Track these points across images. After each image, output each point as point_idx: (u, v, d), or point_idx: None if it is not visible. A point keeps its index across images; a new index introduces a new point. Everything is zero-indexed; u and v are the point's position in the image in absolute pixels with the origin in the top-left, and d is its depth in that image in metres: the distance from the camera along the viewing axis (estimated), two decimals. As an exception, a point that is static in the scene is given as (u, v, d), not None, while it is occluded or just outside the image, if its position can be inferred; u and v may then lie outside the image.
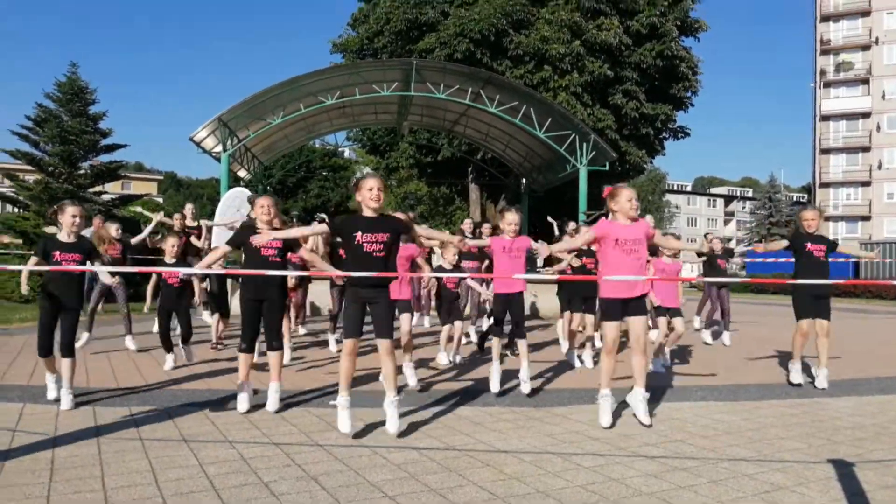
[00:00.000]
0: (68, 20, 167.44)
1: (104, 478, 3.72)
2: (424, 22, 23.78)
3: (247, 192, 15.19)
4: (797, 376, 6.79)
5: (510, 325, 6.49)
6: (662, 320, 7.69)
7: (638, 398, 5.17)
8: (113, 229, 8.86)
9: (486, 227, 10.17)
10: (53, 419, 5.00)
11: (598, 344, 8.01)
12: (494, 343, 6.15)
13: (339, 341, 8.92)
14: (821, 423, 5.33)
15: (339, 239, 5.15)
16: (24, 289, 6.04)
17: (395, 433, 4.60)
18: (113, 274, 8.53)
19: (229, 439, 4.54)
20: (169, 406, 5.50)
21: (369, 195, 4.64)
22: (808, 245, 6.63)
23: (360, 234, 4.60)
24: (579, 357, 7.96)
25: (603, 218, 5.31)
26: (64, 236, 5.53)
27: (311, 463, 4.05)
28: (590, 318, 7.96)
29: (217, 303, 8.87)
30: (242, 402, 5.38)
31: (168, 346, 7.24)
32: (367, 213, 4.70)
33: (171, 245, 7.28)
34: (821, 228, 6.82)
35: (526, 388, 6.02)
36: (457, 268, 8.06)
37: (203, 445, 4.38)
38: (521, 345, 6.13)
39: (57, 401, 5.43)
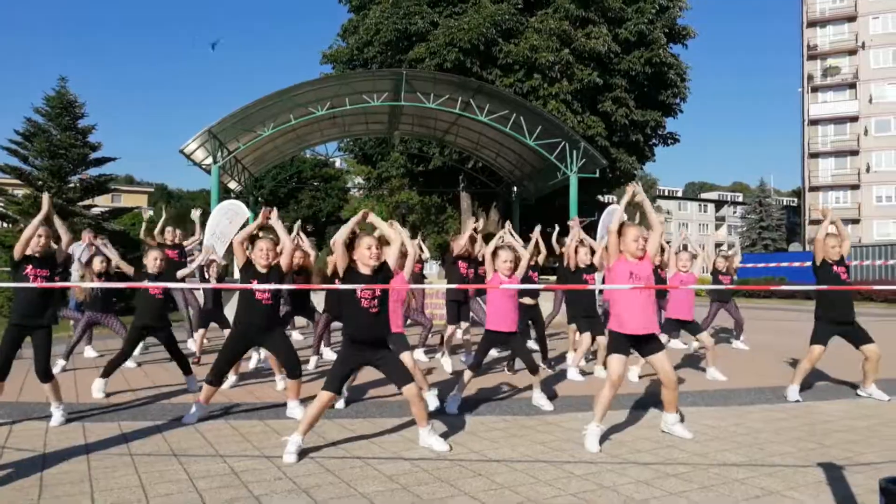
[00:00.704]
0: (57, 34, 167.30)
1: (93, 494, 3.70)
2: (414, 32, 23.85)
3: (238, 204, 15.19)
4: (793, 395, 6.50)
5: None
6: (704, 335, 7.64)
7: (670, 422, 5.13)
8: (97, 263, 8.28)
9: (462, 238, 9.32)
10: (42, 436, 4.96)
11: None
12: (466, 373, 5.96)
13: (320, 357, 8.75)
14: (812, 427, 5.35)
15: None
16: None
17: (446, 449, 4.60)
18: (96, 297, 8.33)
19: (220, 453, 4.52)
20: (158, 421, 5.47)
21: (368, 254, 4.67)
22: (835, 267, 6.37)
23: (359, 291, 4.63)
24: (581, 371, 7.78)
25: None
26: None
27: (303, 475, 4.04)
28: (601, 341, 7.61)
29: (217, 317, 8.86)
30: (191, 417, 5.43)
31: (109, 372, 6.53)
32: (364, 270, 4.70)
33: (153, 258, 6.84)
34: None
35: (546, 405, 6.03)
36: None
37: (193, 459, 4.36)
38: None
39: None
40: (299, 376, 5.55)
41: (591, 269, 7.99)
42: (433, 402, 5.93)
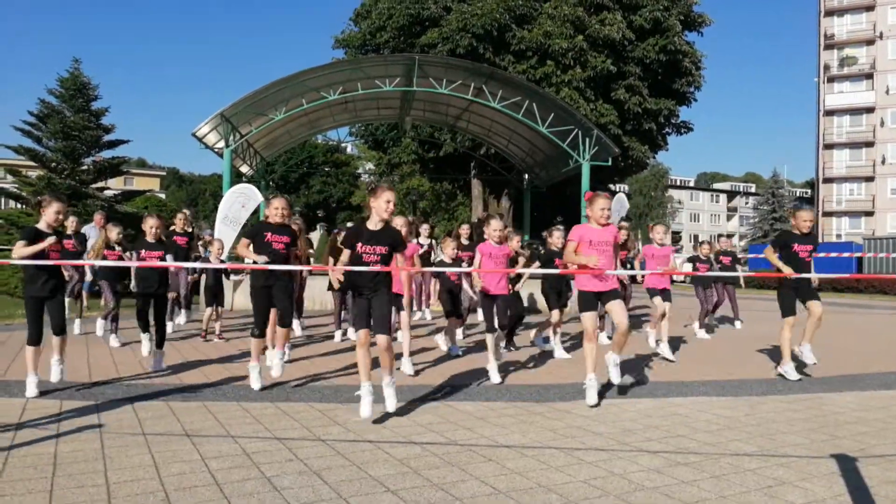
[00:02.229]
0: (70, 15, 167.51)
1: (107, 472, 3.73)
2: (427, 17, 23.72)
3: (251, 188, 15.24)
4: (792, 374, 6.84)
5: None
6: (657, 300, 8.32)
7: (611, 360, 5.77)
8: (114, 233, 8.56)
9: (464, 229, 10.93)
10: (56, 414, 5.01)
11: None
12: (488, 338, 6.63)
13: (344, 333, 9.45)
14: (823, 418, 5.32)
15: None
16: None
17: (394, 409, 4.96)
18: (96, 270, 8.83)
19: (231, 434, 4.55)
20: (171, 400, 5.51)
21: (385, 207, 5.01)
22: (795, 245, 6.85)
23: (360, 244, 5.02)
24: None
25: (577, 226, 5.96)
26: (44, 227, 5.68)
27: (314, 458, 4.06)
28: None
29: (214, 295, 9.37)
30: (254, 380, 5.95)
31: (145, 327, 7.41)
32: (373, 223, 5.07)
33: (150, 226, 7.26)
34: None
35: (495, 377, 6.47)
36: (456, 262, 8.57)
37: (205, 440, 4.39)
38: (489, 337, 6.62)
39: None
40: (288, 325, 6.21)
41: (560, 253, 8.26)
42: (409, 370, 6.79)
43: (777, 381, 6.89)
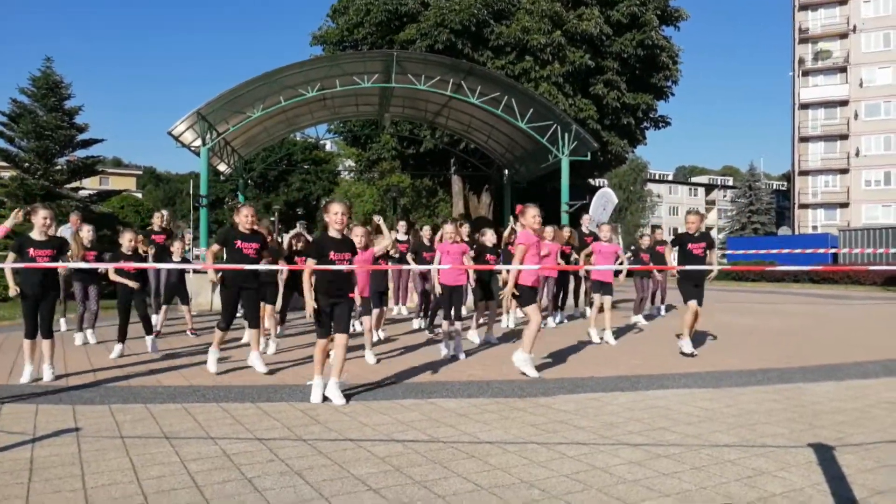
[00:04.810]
0: (42, 11, 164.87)
1: (84, 477, 3.67)
2: (405, 13, 23.63)
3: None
4: (688, 347, 7.91)
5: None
6: (596, 296, 9.45)
7: (518, 360, 6.70)
8: (85, 231, 8.68)
9: (426, 230, 11.50)
10: (32, 418, 4.93)
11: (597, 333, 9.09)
12: (444, 325, 7.86)
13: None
14: (802, 408, 5.38)
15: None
16: (13, 291, 6.26)
17: (344, 404, 5.38)
18: (88, 272, 8.83)
19: (211, 435, 4.50)
20: (150, 402, 5.45)
21: (335, 219, 5.54)
22: (689, 244, 8.09)
23: (332, 253, 5.49)
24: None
25: (521, 228, 6.90)
26: (37, 235, 6.25)
27: (295, 457, 4.03)
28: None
29: (180, 291, 9.67)
30: (211, 363, 6.73)
31: (122, 337, 7.87)
32: (333, 233, 5.58)
33: (127, 239, 7.71)
34: (702, 227, 8.28)
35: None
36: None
37: (185, 442, 4.34)
38: (445, 323, 7.85)
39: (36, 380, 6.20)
40: (257, 327, 6.80)
41: (494, 249, 9.15)
42: (371, 360, 7.36)
43: (756, 371, 6.97)
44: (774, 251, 32.01)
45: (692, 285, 8.00)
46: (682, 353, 7.91)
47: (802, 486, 3.57)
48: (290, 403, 5.46)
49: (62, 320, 10.12)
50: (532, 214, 6.73)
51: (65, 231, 11.19)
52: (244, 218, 6.63)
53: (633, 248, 12.70)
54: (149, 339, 7.96)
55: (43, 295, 6.13)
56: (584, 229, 12.54)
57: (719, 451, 4.18)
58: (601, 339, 9.13)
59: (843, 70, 53.99)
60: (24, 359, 6.25)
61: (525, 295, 6.71)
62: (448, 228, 8.33)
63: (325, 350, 5.55)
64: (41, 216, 6.23)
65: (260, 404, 5.42)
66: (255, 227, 6.74)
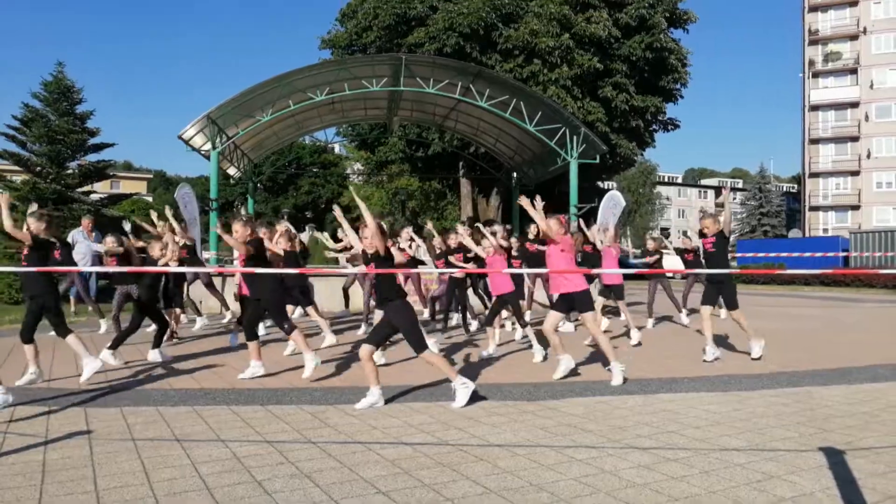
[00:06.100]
0: (55, 16, 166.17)
1: (96, 479, 3.71)
2: (413, 16, 23.68)
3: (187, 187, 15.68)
4: (707, 354, 7.76)
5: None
6: (599, 299, 9.69)
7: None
8: (110, 242, 8.89)
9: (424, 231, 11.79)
10: (45, 421, 4.97)
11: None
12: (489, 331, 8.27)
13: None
14: (811, 411, 5.36)
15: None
16: None
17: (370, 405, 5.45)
18: (101, 275, 8.92)
19: (222, 438, 4.53)
20: (161, 405, 5.49)
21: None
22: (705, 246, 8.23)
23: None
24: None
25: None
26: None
27: (305, 460, 4.05)
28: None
29: (175, 296, 9.49)
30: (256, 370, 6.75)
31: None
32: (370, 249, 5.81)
33: (160, 249, 7.94)
34: (716, 229, 8.29)
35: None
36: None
37: (195, 445, 4.37)
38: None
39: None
40: (254, 338, 6.82)
41: (458, 250, 9.64)
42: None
43: (765, 375, 6.94)
44: (784, 254, 31.84)
45: (713, 288, 8.11)
46: (707, 359, 7.76)
47: (812, 490, 3.56)
48: (299, 406, 5.49)
49: (101, 321, 10.18)
50: (555, 223, 6.82)
51: (76, 235, 11.27)
52: (235, 233, 6.86)
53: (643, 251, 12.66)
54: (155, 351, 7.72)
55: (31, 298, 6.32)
56: (589, 237, 12.45)
57: (728, 455, 4.17)
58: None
59: (854, 72, 53.65)
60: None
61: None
62: (488, 242, 8.00)
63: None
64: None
65: (269, 407, 5.45)
66: (248, 237, 6.90)
